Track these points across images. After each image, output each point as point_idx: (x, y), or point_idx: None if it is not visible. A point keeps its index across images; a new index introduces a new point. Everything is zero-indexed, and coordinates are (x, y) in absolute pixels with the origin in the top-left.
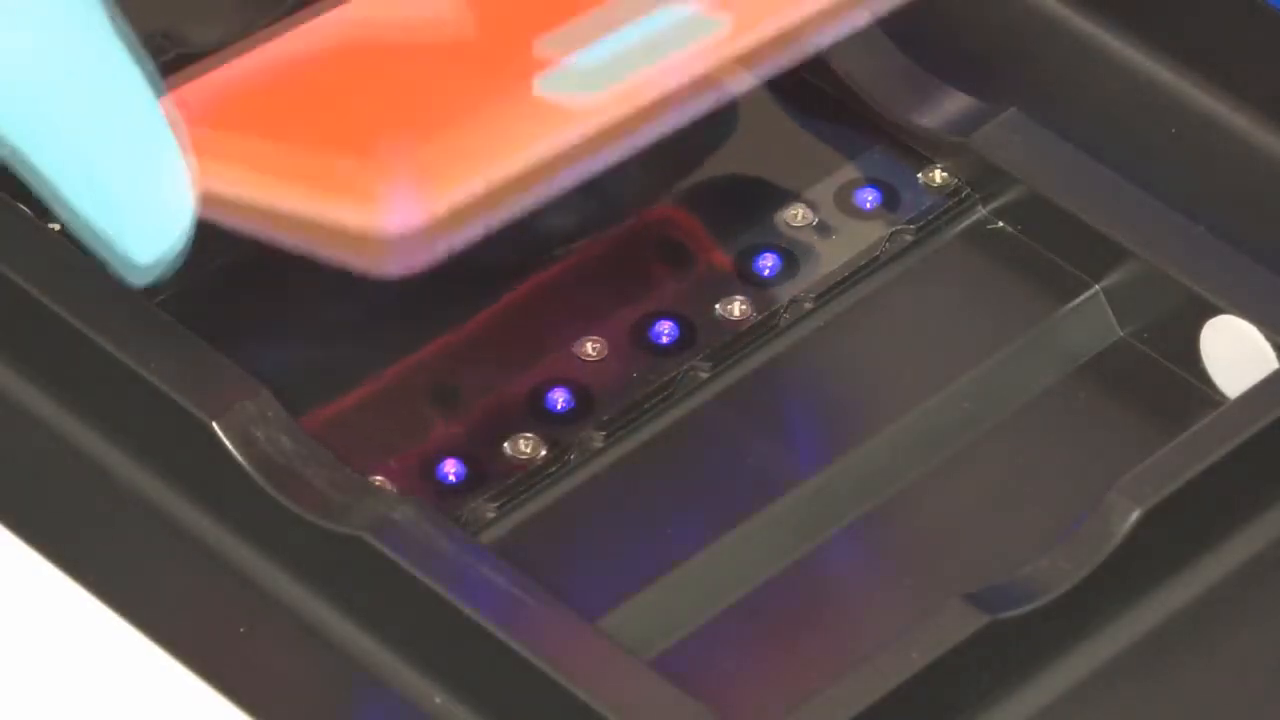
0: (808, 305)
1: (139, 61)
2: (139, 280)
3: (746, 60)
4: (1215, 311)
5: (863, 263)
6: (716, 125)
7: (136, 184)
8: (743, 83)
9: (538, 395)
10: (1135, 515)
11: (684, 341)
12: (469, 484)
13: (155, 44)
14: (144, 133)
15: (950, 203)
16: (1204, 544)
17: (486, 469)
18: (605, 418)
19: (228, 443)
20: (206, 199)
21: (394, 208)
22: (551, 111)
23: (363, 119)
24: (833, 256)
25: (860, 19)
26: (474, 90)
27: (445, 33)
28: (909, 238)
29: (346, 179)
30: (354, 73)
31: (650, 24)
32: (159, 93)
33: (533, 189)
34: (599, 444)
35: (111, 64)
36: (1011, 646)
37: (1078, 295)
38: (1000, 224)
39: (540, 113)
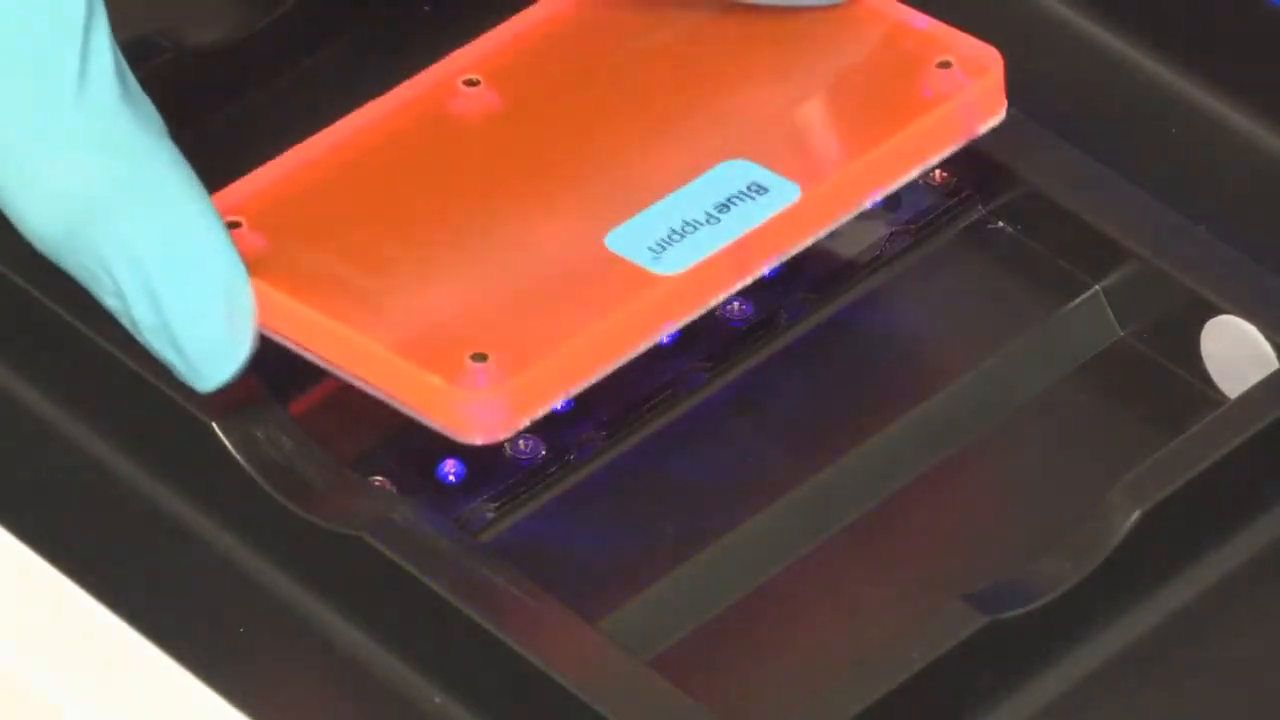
0: (808, 305)
1: (200, 186)
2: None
3: (821, 225)
4: (1215, 311)
5: (863, 263)
6: None
7: (196, 318)
8: (816, 238)
9: None
10: (1135, 515)
11: (684, 341)
12: (469, 484)
13: (155, 44)
14: (206, 263)
15: (950, 203)
16: (1204, 544)
17: (486, 469)
18: (605, 418)
19: (228, 443)
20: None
21: (477, 425)
22: (635, 305)
23: (441, 299)
24: (833, 256)
25: (915, 171)
26: (551, 276)
27: (522, 205)
28: (909, 238)
29: (429, 391)
30: (428, 226)
31: (724, 194)
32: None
33: (609, 369)
34: (599, 444)
35: (173, 193)
36: (1011, 646)
37: (1078, 295)
38: (1000, 224)
39: (623, 307)
